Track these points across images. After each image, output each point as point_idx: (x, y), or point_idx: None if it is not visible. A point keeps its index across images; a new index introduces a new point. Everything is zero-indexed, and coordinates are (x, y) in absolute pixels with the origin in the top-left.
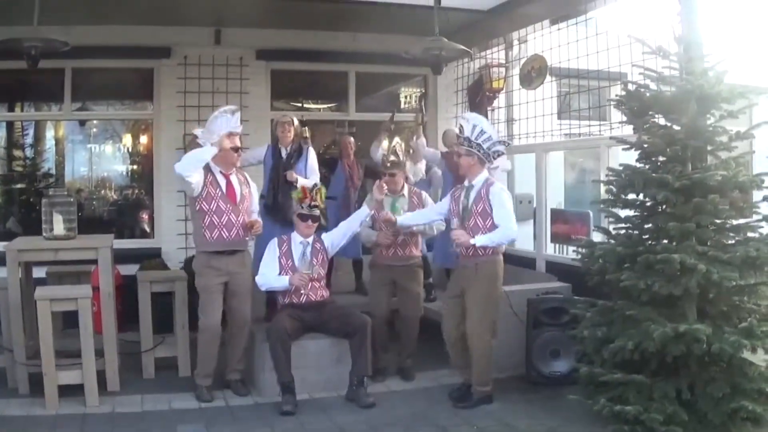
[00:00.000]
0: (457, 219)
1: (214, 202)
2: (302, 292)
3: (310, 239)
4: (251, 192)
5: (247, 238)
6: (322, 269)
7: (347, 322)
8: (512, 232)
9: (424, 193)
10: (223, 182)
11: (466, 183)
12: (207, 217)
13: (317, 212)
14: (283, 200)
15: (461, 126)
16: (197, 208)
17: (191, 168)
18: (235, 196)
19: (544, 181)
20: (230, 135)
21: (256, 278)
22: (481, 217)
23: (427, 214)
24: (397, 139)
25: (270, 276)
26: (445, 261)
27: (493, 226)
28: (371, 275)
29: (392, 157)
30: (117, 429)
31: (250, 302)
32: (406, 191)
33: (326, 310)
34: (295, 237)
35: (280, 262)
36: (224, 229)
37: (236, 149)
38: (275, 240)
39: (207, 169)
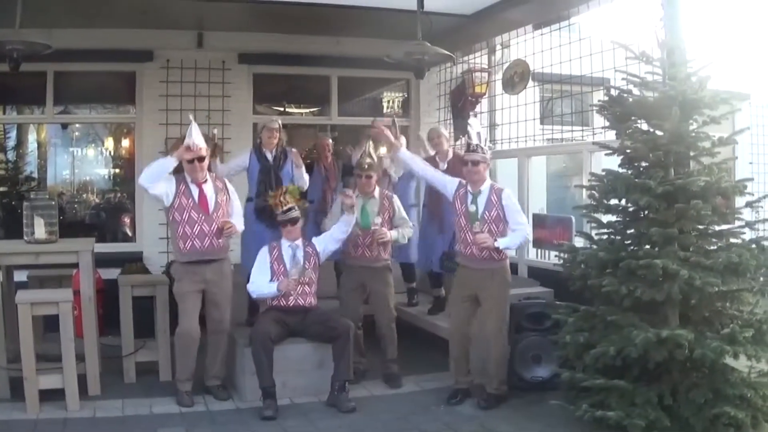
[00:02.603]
0: (464, 220)
1: (186, 212)
2: (291, 296)
3: (299, 242)
4: (230, 199)
5: (221, 241)
6: (314, 273)
7: (330, 326)
8: (529, 233)
9: (395, 197)
10: (195, 192)
11: (470, 189)
12: (180, 227)
13: (294, 214)
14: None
15: (469, 133)
16: (171, 218)
17: (152, 179)
18: (208, 206)
19: (526, 186)
20: (188, 148)
21: (248, 286)
22: (494, 223)
23: (439, 180)
24: (370, 142)
25: (261, 283)
26: (426, 265)
27: (504, 232)
28: (342, 278)
29: (368, 159)
30: None
31: (229, 310)
32: (377, 193)
33: (310, 315)
34: (284, 242)
35: (272, 267)
36: (197, 239)
37: (191, 160)
38: (266, 247)
39: (181, 179)
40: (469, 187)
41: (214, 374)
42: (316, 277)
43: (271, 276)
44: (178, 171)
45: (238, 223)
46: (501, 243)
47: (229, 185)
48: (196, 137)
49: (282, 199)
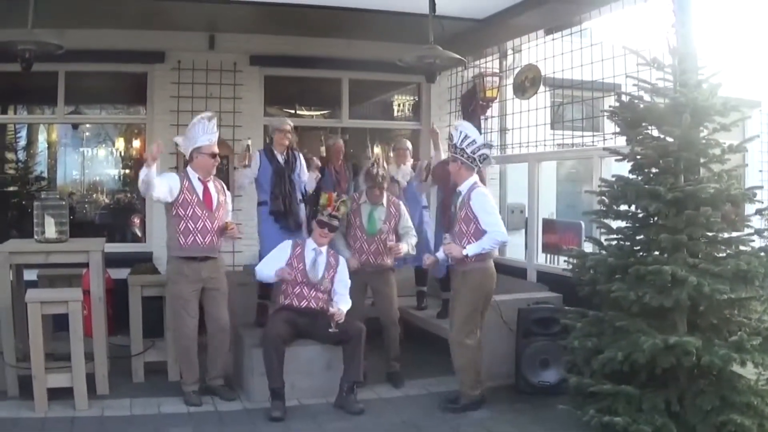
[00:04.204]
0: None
1: (190, 207)
2: (305, 299)
3: (324, 249)
4: (227, 200)
5: (221, 239)
6: (331, 284)
7: (342, 329)
8: (500, 234)
9: (402, 204)
10: (200, 189)
11: (458, 189)
12: (183, 222)
13: (336, 222)
14: (295, 205)
15: (451, 134)
16: (173, 213)
17: (145, 189)
18: (212, 203)
19: (536, 191)
20: (208, 145)
21: (256, 267)
22: (464, 223)
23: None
24: (377, 151)
25: (266, 269)
26: (435, 271)
27: (477, 232)
28: None
29: (381, 171)
30: None
31: (226, 308)
32: (384, 200)
33: (321, 317)
34: (309, 243)
35: (291, 262)
36: (199, 235)
37: (213, 155)
38: (291, 241)
39: (184, 175)
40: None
41: (216, 374)
42: (332, 287)
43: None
44: (183, 166)
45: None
46: (469, 250)
47: (225, 188)
48: (215, 135)
49: (337, 205)
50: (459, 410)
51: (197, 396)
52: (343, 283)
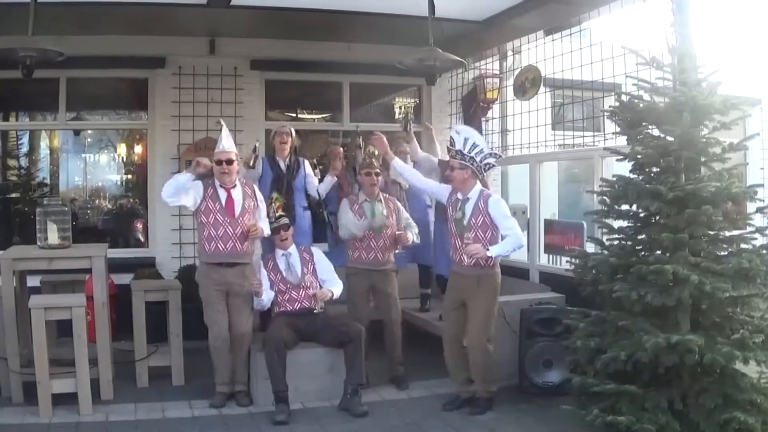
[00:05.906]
0: (453, 226)
1: (212, 215)
2: (296, 300)
3: (292, 250)
4: (259, 205)
5: (246, 245)
6: (314, 278)
7: (342, 331)
8: (522, 239)
9: (395, 200)
10: (223, 196)
11: (459, 196)
12: (206, 229)
13: (285, 220)
14: (294, 211)
15: (452, 138)
16: (198, 220)
17: (171, 194)
18: (234, 210)
19: (537, 192)
20: (198, 163)
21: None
22: (481, 230)
23: (432, 187)
24: (371, 147)
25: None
26: (437, 267)
27: (494, 238)
28: (349, 283)
29: (372, 159)
30: None
31: (247, 314)
32: (381, 197)
33: (319, 318)
34: (277, 252)
35: (269, 278)
36: (220, 242)
37: (219, 162)
38: (260, 261)
39: (209, 182)
40: (459, 194)
41: (238, 379)
42: (317, 281)
43: (270, 285)
44: (207, 175)
45: (264, 227)
46: (492, 252)
47: (258, 192)
48: (225, 141)
49: (273, 207)
50: (484, 411)
51: (223, 398)
52: (326, 269)
